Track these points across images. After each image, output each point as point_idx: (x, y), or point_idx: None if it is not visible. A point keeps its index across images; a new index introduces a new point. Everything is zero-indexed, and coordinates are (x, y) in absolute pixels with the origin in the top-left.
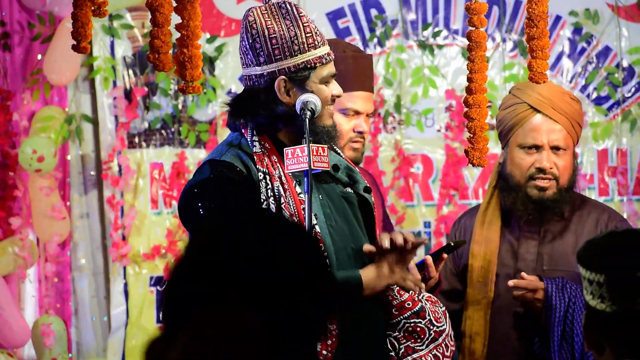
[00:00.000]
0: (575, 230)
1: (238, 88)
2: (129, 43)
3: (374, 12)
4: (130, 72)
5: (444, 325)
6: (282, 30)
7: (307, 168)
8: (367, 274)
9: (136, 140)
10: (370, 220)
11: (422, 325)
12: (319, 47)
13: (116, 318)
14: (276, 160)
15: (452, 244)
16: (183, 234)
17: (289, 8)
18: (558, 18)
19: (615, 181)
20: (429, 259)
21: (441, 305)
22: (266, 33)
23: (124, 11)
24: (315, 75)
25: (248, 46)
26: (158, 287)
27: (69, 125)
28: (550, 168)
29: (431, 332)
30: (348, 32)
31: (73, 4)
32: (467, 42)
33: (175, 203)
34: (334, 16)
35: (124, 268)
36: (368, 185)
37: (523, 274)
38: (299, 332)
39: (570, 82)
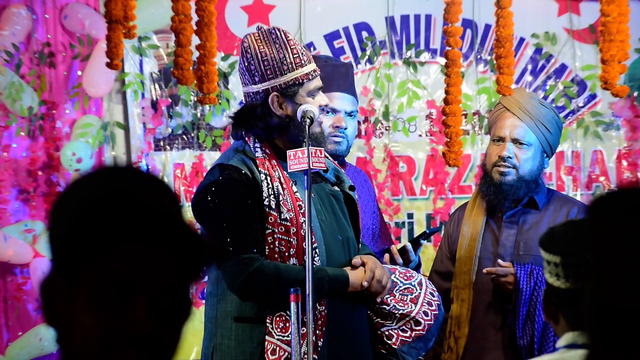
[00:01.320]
0: (549, 221)
1: None
2: (155, 61)
3: (364, 34)
4: (156, 85)
5: (409, 308)
6: (273, 53)
7: (307, 167)
8: (354, 275)
9: (161, 144)
10: (354, 213)
11: (387, 311)
12: (305, 65)
13: None
14: (275, 164)
15: (427, 231)
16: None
17: (278, 33)
18: (522, 40)
19: (571, 178)
20: (409, 245)
21: (413, 294)
22: (259, 56)
23: (151, 33)
24: (303, 90)
25: (244, 68)
26: None
27: (104, 131)
28: (509, 157)
29: (396, 314)
30: (342, 51)
31: (107, 28)
32: (445, 60)
33: None
34: (331, 38)
35: None
36: (352, 184)
37: (499, 261)
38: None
39: None
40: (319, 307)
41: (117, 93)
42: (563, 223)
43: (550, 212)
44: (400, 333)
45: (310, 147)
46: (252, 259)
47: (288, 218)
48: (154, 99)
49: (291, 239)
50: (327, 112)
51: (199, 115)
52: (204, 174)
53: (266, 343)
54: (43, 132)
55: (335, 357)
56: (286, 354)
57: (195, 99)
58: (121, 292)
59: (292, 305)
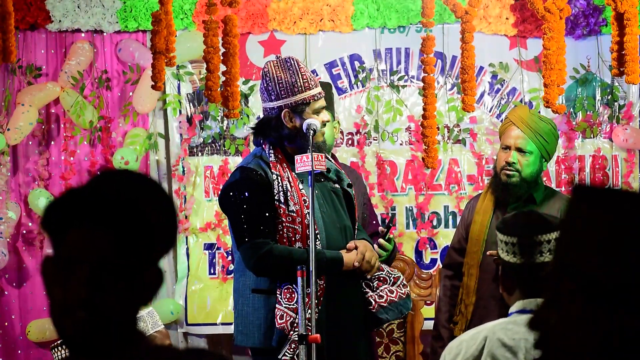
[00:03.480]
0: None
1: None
2: (190, 84)
3: (357, 63)
4: (191, 104)
5: (397, 274)
6: (287, 77)
7: (311, 169)
8: (348, 256)
9: (194, 150)
10: (351, 206)
11: (384, 276)
12: (313, 88)
13: (181, 271)
14: (285, 166)
15: (390, 224)
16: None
17: (292, 62)
18: (481, 68)
19: None
20: (382, 241)
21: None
22: (275, 79)
23: (187, 63)
24: (310, 108)
25: (264, 88)
26: (209, 251)
27: (149, 141)
28: (513, 163)
29: (391, 278)
30: (339, 77)
31: (152, 58)
32: (422, 84)
33: None
34: (330, 66)
35: (186, 237)
36: (350, 182)
37: None
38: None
39: (490, 111)
40: (319, 282)
41: (160, 110)
42: (512, 214)
43: (545, 206)
44: (388, 293)
45: (313, 153)
46: (264, 243)
47: (294, 210)
48: (189, 114)
49: (296, 227)
50: None
51: (225, 128)
52: (229, 175)
53: (276, 310)
54: (101, 141)
55: (331, 320)
56: (291, 318)
57: (222, 114)
58: (67, 266)
59: (299, 279)
